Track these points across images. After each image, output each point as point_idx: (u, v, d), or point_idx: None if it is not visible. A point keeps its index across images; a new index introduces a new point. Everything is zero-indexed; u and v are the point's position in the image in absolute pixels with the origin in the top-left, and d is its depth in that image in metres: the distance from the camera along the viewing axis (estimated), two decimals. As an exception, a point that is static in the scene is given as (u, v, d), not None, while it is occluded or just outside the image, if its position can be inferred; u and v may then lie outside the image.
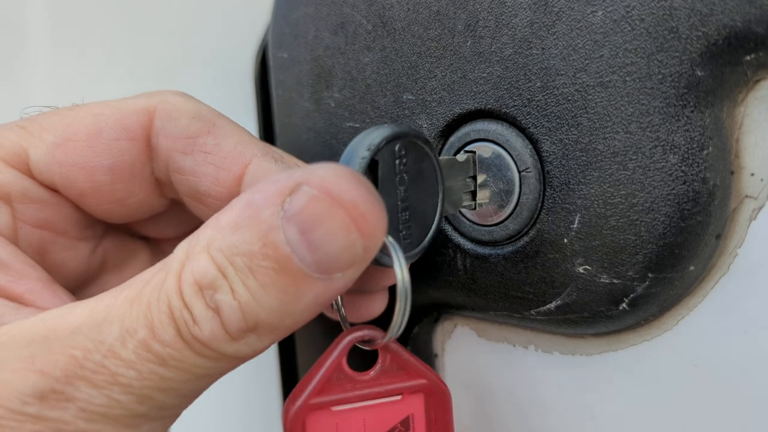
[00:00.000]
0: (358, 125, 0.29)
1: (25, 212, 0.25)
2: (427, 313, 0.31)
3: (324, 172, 0.19)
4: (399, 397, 0.25)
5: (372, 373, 0.25)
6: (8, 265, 0.23)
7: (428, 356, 0.32)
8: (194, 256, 0.19)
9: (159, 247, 0.30)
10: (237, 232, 0.18)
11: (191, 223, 0.29)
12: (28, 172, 0.25)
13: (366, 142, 0.20)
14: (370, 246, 0.19)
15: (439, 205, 0.23)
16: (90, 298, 0.21)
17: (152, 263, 0.28)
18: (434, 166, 0.22)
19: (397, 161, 0.21)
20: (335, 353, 0.24)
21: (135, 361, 0.19)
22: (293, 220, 0.18)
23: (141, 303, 0.19)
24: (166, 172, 0.25)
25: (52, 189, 0.25)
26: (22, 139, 0.25)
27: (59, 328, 0.20)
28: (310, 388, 0.23)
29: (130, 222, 0.28)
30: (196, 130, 0.25)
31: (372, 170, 0.21)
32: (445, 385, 0.25)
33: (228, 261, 0.18)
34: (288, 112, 0.32)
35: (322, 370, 0.23)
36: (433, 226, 0.23)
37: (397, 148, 0.21)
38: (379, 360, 0.25)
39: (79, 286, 0.28)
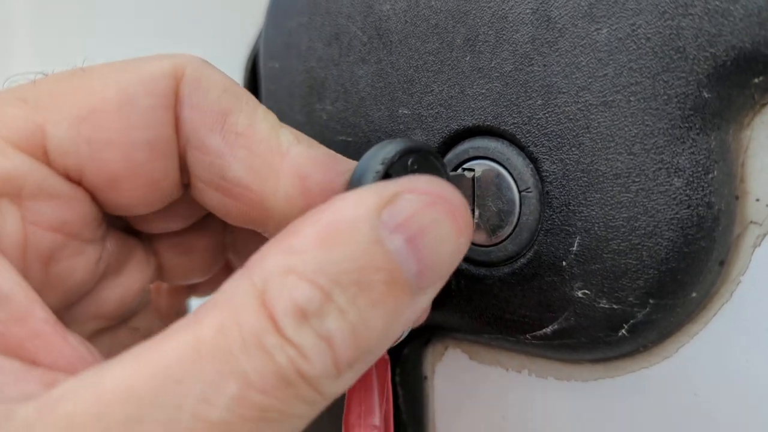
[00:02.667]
0: (350, 139, 0.28)
1: (39, 212, 0.20)
2: (418, 335, 0.30)
3: (425, 178, 0.18)
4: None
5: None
6: (10, 299, 0.18)
7: (417, 379, 0.31)
8: (279, 283, 0.16)
9: (152, 245, 0.26)
10: (333, 248, 0.16)
11: (193, 215, 0.26)
12: (45, 158, 0.20)
13: (380, 156, 0.20)
14: (465, 251, 0.18)
15: None
16: (114, 357, 0.16)
17: (148, 264, 0.25)
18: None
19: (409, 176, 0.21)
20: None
21: (231, 421, 0.15)
22: (400, 229, 0.17)
23: (216, 349, 0.16)
24: (185, 151, 0.22)
25: (73, 179, 0.21)
26: (34, 113, 0.20)
27: (107, 403, 0.15)
28: (376, 402, 0.22)
29: (145, 213, 0.23)
30: (229, 105, 0.21)
31: None
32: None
33: (333, 281, 0.16)
34: (278, 124, 0.31)
35: (374, 380, 0.23)
36: None
37: (410, 162, 0.20)
38: None
39: (75, 302, 0.23)
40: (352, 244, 0.16)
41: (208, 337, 0.16)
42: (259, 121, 0.21)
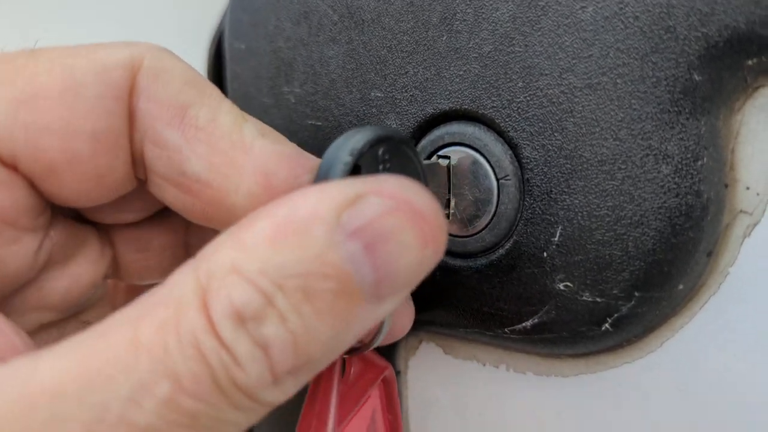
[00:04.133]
0: (320, 123, 0.27)
1: None
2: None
3: (394, 180, 0.16)
4: (367, 396, 0.24)
5: (350, 377, 0.24)
6: None
7: (390, 374, 0.30)
8: (221, 282, 0.15)
9: (108, 235, 0.25)
10: (282, 250, 0.15)
11: (149, 208, 0.24)
12: None
13: (348, 146, 0.18)
14: (435, 262, 0.17)
15: None
16: (49, 347, 0.16)
17: (102, 257, 0.24)
18: (419, 171, 0.20)
19: (380, 166, 0.19)
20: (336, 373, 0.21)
21: (157, 425, 0.15)
22: (358, 235, 0.15)
23: (152, 347, 0.15)
24: (141, 145, 0.21)
25: (9, 164, 0.20)
26: None
27: (33, 399, 0.15)
28: (332, 417, 0.20)
29: (94, 206, 0.22)
30: (189, 99, 0.20)
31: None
32: (392, 370, 0.25)
33: (276, 285, 0.15)
34: (244, 107, 0.29)
35: (334, 394, 0.21)
36: None
37: (380, 152, 0.19)
38: (351, 363, 0.24)
39: (14, 292, 0.22)
40: (304, 247, 0.15)
41: (146, 333, 0.15)
42: (222, 115, 0.20)
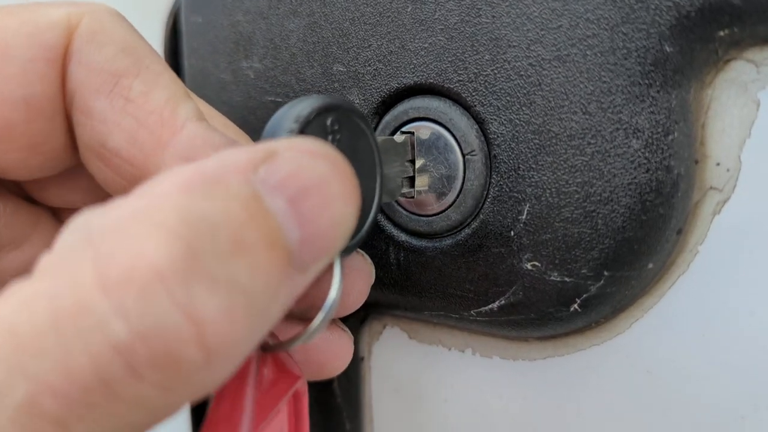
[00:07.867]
0: (280, 100, 0.26)
1: None
2: (353, 312, 0.28)
3: (305, 138, 0.15)
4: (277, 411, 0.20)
5: (265, 383, 0.19)
6: None
7: (353, 359, 0.29)
8: (124, 233, 0.13)
9: (61, 219, 0.23)
10: (202, 199, 0.13)
11: (96, 189, 0.22)
12: None
13: (293, 113, 0.17)
14: (352, 228, 0.15)
15: (378, 189, 0.20)
16: None
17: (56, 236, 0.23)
18: (371, 145, 0.19)
19: (329, 137, 0.18)
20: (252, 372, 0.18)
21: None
22: (279, 188, 0.14)
23: (10, 339, 0.12)
24: (70, 111, 0.20)
25: None
26: None
27: None
28: (246, 421, 0.17)
29: (31, 180, 0.21)
30: (124, 67, 0.19)
31: None
32: (305, 382, 0.21)
33: (202, 234, 0.13)
34: (201, 83, 0.28)
35: (248, 395, 0.17)
36: (371, 215, 0.20)
37: (329, 122, 0.18)
38: (264, 364, 0.20)
39: None
40: (225, 197, 0.14)
41: (6, 316, 0.12)
42: (157, 89, 0.19)
